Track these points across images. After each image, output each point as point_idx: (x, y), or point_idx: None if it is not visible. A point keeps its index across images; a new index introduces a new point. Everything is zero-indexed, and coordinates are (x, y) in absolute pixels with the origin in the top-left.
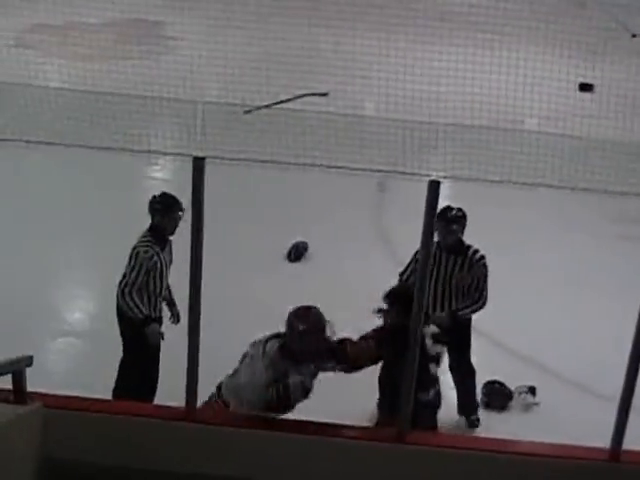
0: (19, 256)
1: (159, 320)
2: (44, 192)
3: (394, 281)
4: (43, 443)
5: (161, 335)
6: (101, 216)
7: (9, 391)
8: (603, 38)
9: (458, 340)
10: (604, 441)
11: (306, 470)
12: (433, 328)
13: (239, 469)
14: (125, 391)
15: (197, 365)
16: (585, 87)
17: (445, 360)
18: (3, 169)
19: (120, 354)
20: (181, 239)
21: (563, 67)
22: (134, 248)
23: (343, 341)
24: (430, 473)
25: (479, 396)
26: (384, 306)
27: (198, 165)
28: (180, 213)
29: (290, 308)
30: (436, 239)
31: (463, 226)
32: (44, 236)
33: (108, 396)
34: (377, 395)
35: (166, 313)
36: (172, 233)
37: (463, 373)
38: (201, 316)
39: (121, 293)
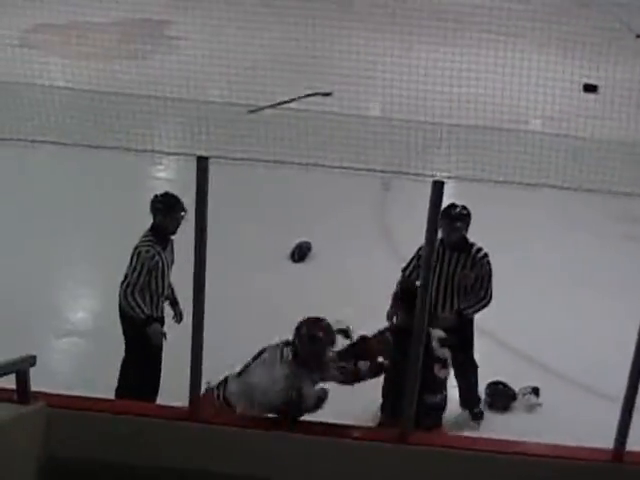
0: (23, 255)
1: (161, 320)
2: (48, 191)
3: (397, 278)
4: (46, 442)
5: (163, 335)
6: (104, 215)
7: (13, 391)
8: (607, 39)
9: (461, 338)
10: (607, 442)
11: (309, 470)
12: (440, 332)
13: (242, 469)
14: (128, 391)
15: (200, 365)
16: (589, 88)
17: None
18: (7, 168)
19: (123, 353)
20: (184, 239)
21: (567, 68)
22: (136, 248)
23: (364, 338)
24: (433, 473)
25: (482, 396)
26: (391, 307)
27: (202, 165)
28: (182, 213)
29: (298, 315)
30: (440, 236)
31: (467, 224)
32: (47, 235)
33: (111, 396)
34: (380, 396)
35: (168, 313)
36: (174, 233)
37: (466, 367)
38: (204, 316)
39: (123, 293)
